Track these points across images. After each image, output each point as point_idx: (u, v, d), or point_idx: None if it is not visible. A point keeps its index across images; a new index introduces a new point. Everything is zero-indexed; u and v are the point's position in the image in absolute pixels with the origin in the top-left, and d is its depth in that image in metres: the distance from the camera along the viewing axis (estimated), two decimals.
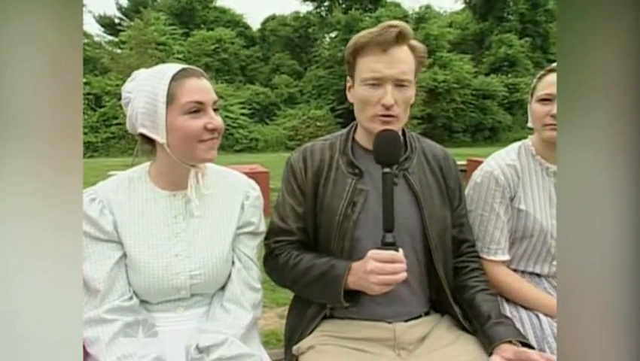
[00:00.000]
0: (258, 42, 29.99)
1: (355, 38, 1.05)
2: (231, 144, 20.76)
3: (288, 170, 1.16)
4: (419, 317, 1.12)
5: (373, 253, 0.94)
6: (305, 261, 1.08)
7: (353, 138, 1.16)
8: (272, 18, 30.82)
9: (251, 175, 1.22)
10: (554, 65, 1.21)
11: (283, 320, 2.52)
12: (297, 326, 1.13)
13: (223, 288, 1.08)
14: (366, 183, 1.09)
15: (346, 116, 22.53)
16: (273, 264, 1.14)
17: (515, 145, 1.32)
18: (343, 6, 26.20)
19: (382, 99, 1.01)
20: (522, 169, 1.26)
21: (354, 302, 1.02)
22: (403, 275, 0.92)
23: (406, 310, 1.10)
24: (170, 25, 24.01)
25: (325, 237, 1.09)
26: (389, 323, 1.08)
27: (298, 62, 28.16)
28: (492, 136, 21.94)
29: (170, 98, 0.95)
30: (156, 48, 17.22)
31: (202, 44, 25.01)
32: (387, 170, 0.95)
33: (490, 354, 0.97)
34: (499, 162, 1.26)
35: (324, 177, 1.11)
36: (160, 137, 0.97)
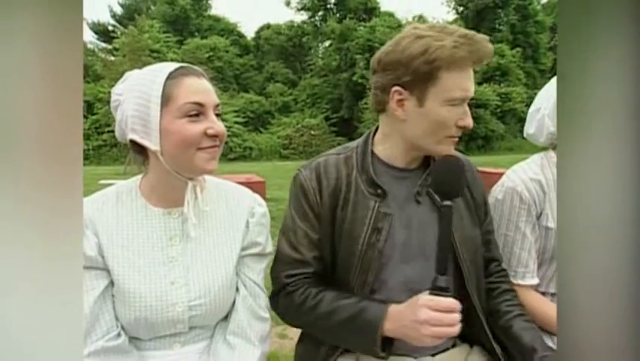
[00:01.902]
0: (252, 51, 30.05)
1: (437, 46, 0.86)
2: (225, 153, 20.57)
3: (297, 190, 1.00)
4: (447, 349, 0.99)
5: (427, 300, 0.80)
6: (327, 301, 0.92)
7: (372, 152, 1.01)
8: (267, 27, 30.96)
9: (247, 185, 1.11)
10: None
11: (283, 341, 2.40)
12: None
13: (226, 318, 0.95)
14: (390, 206, 0.95)
15: (340, 125, 22.57)
16: (286, 302, 0.98)
17: (536, 157, 1.20)
18: (337, 15, 26.35)
19: (461, 120, 0.90)
20: (548, 183, 1.13)
21: (389, 351, 0.88)
22: (459, 328, 0.79)
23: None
24: (164, 32, 24.01)
25: (344, 269, 0.96)
26: (415, 358, 0.95)
27: (292, 71, 28.21)
28: (485, 145, 22.07)
29: (165, 99, 0.82)
30: (149, 55, 17.12)
31: (195, 52, 24.95)
32: (447, 203, 0.81)
33: None
34: (522, 176, 1.14)
35: (343, 199, 0.97)
36: (152, 143, 0.83)
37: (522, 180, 1.13)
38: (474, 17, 26.41)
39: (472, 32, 0.88)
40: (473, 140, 22.03)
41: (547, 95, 1.18)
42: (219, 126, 0.85)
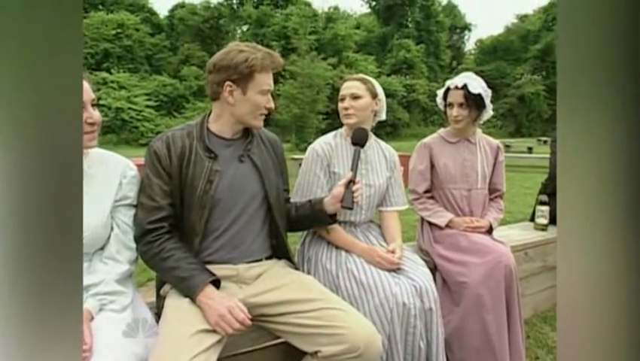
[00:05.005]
0: (166, 30, 28.43)
1: (253, 58, 1.30)
2: (136, 138, 19.55)
3: (152, 156, 1.33)
4: (260, 260, 1.42)
5: (235, 305, 1.18)
6: (174, 259, 1.26)
7: (208, 128, 1.39)
8: (182, 6, 29.44)
9: None
10: (348, 76, 1.76)
11: None
12: None
13: (102, 249, 1.32)
14: (220, 165, 1.35)
15: None
16: (145, 249, 1.29)
17: (334, 132, 1.82)
18: (254, 0, 26.05)
19: (267, 103, 1.37)
20: (336, 146, 1.75)
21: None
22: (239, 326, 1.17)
23: (248, 253, 1.40)
24: None
25: (188, 208, 1.33)
26: (235, 264, 1.37)
27: (208, 54, 27.26)
28: (393, 131, 23.75)
29: None
30: None
31: (100, 28, 23.01)
32: (357, 147, 1.51)
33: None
34: (320, 142, 1.76)
35: (187, 160, 1.33)
36: None
37: (319, 143, 1.74)
38: (385, 12, 27.93)
39: (271, 50, 1.38)
40: (382, 127, 23.64)
41: None
42: (96, 116, 1.23)
